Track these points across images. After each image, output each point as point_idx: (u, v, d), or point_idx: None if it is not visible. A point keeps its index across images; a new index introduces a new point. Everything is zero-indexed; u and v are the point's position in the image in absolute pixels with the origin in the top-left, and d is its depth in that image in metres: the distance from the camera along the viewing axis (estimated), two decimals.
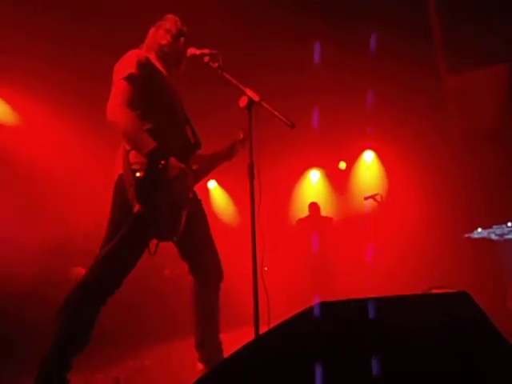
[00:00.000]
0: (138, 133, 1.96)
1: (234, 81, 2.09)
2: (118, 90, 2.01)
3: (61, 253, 4.15)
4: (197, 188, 2.40)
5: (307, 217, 6.29)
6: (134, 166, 1.98)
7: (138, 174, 1.93)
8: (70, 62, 4.14)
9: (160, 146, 1.95)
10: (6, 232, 3.84)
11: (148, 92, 2.10)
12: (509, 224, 5.08)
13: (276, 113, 1.94)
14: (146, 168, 1.92)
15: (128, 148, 2.02)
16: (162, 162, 1.95)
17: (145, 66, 2.10)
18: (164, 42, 2.32)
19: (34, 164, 4.41)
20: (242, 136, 2.55)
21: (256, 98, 2.00)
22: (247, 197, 1.96)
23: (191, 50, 2.23)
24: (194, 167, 2.36)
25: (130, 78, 2.02)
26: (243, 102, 2.02)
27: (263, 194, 2.02)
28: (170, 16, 2.41)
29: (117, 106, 1.97)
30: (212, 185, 7.60)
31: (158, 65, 2.28)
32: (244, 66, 3.24)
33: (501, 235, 5.12)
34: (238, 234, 6.29)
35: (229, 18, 4.38)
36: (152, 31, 2.37)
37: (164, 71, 2.29)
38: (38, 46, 4.03)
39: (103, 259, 1.98)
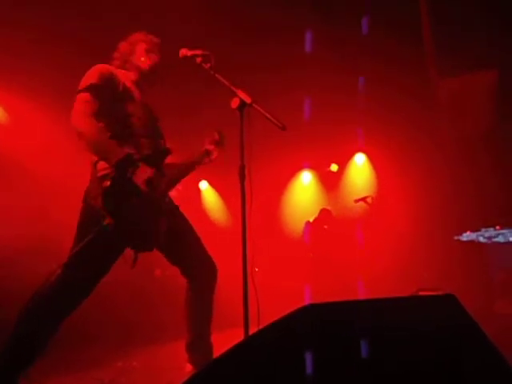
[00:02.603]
0: (105, 142, 1.94)
1: (226, 82, 2.09)
2: (80, 99, 2.01)
3: (47, 253, 4.09)
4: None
5: (315, 220, 6.26)
6: (100, 173, 1.97)
7: (104, 184, 1.88)
8: (61, 62, 4.09)
9: (130, 155, 1.93)
10: None
11: (111, 105, 2.08)
12: (497, 227, 5.13)
13: (267, 115, 1.94)
14: (113, 177, 1.89)
15: (96, 159, 2.01)
16: (130, 170, 1.92)
17: (107, 79, 2.11)
18: (145, 66, 2.33)
19: (20, 163, 4.36)
20: (217, 137, 2.50)
21: (248, 100, 2.00)
22: (238, 198, 1.96)
23: (183, 51, 2.21)
24: (167, 174, 2.29)
25: (90, 88, 2.02)
26: (235, 103, 2.02)
27: (254, 196, 2.02)
28: (139, 35, 2.39)
29: (81, 115, 1.96)
30: (204, 186, 7.59)
31: (130, 82, 2.27)
32: (233, 65, 3.22)
33: (489, 238, 5.17)
34: (229, 235, 6.28)
35: (217, 16, 4.36)
36: (125, 49, 2.36)
37: (134, 87, 2.28)
38: (29, 45, 3.99)
39: (64, 269, 1.93)
